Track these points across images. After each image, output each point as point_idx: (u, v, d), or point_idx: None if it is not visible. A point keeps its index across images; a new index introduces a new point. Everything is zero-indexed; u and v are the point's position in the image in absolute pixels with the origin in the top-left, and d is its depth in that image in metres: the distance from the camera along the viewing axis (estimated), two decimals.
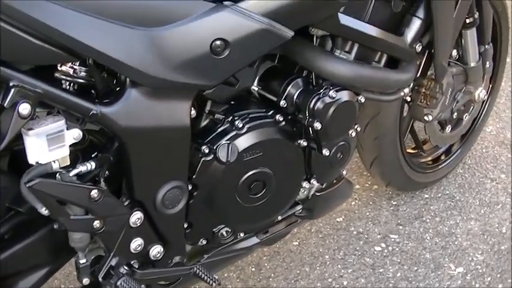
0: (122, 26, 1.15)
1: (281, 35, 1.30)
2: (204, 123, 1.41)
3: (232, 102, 1.43)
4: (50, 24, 1.07)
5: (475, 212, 2.29)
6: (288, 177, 1.52)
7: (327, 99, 1.42)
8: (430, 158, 2.34)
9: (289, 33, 1.31)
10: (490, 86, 2.38)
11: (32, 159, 1.17)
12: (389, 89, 1.60)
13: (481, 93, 2.14)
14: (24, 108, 1.10)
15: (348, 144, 1.56)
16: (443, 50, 1.70)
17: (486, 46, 2.10)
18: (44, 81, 1.13)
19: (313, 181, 1.57)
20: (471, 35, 2.00)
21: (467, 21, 1.93)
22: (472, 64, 2.04)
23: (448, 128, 2.20)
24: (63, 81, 1.23)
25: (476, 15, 1.95)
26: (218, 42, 1.23)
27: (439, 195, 2.36)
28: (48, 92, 1.13)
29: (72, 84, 1.24)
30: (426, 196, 2.35)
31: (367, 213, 2.25)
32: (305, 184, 1.57)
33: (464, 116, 2.20)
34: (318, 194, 1.64)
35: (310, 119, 1.42)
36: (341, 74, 1.44)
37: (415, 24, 1.57)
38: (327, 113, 1.43)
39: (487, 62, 2.13)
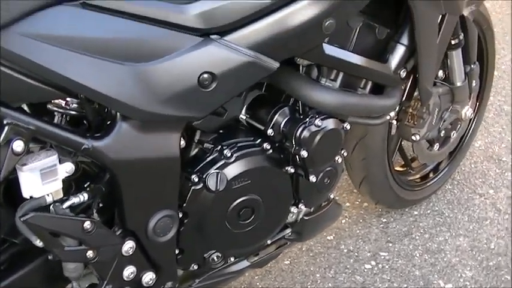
0: (111, 62, 1.18)
1: (267, 67, 1.33)
2: (193, 152, 1.45)
3: (221, 131, 1.47)
4: (41, 63, 1.11)
5: (463, 228, 2.33)
6: (276, 203, 1.56)
7: (313, 128, 1.46)
8: (418, 176, 2.38)
9: (275, 65, 1.34)
10: (477, 103, 2.42)
11: (26, 194, 1.20)
12: (374, 114, 1.64)
13: (467, 111, 2.17)
14: (18, 146, 1.13)
15: (335, 169, 1.60)
16: (428, 75, 1.74)
17: (472, 66, 2.13)
18: (36, 117, 1.17)
19: (301, 206, 1.61)
20: (457, 55, 2.03)
21: (453, 42, 1.96)
22: (458, 84, 2.07)
23: (436, 146, 2.23)
24: (55, 113, 1.28)
25: (461, 36, 1.99)
26: (205, 76, 1.27)
27: (428, 211, 2.40)
28: (41, 129, 1.17)
29: (64, 115, 1.28)
30: (415, 213, 2.39)
31: (357, 231, 2.28)
32: (293, 209, 1.61)
33: (451, 134, 2.24)
34: (307, 218, 1.67)
35: (297, 148, 1.47)
36: (326, 102, 1.48)
37: (399, 51, 1.61)
38: (313, 141, 1.47)
39: (474, 81, 2.17)
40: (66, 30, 1.14)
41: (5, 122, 1.12)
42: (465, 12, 2.01)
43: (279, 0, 1.30)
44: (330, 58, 1.45)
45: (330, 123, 1.50)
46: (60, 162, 1.22)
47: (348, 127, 1.57)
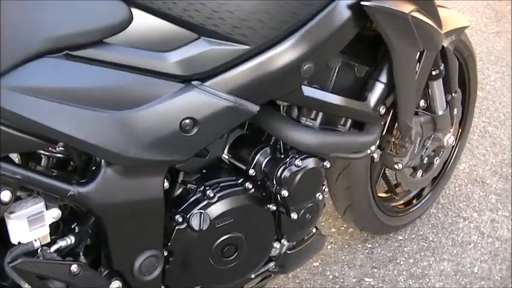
0: (95, 111, 1.21)
1: (247, 111, 1.37)
2: (177, 192, 1.50)
3: (204, 171, 1.52)
4: (25, 116, 1.14)
5: (447, 253, 2.37)
6: (259, 239, 1.60)
7: (293, 168, 1.51)
8: (402, 202, 2.43)
9: (255, 109, 1.38)
10: (460, 130, 2.47)
11: (14, 240, 1.25)
12: (354, 151, 1.68)
13: (449, 139, 2.22)
14: (6, 196, 1.17)
15: (316, 205, 1.64)
16: (407, 111, 1.77)
17: (453, 94, 2.18)
18: (22, 167, 1.21)
19: (284, 241, 1.66)
20: (437, 85, 2.08)
21: (433, 73, 2.01)
22: (440, 113, 2.12)
23: (420, 173, 2.27)
24: (42, 156, 1.32)
25: (442, 66, 2.04)
26: (187, 121, 1.31)
27: (413, 236, 2.44)
28: (28, 178, 1.21)
29: (51, 158, 1.33)
30: (400, 238, 2.43)
31: (343, 257, 2.33)
32: (276, 244, 1.65)
33: (435, 160, 2.28)
34: (290, 252, 1.71)
35: (278, 187, 1.51)
36: (307, 142, 1.52)
37: (378, 89, 1.64)
38: (294, 181, 1.51)
39: (455, 109, 2.22)
40: (49, 81, 1.17)
41: None
42: (445, 43, 2.06)
43: (257, 46, 1.34)
44: (309, 100, 1.50)
45: (310, 163, 1.54)
46: (47, 208, 1.27)
47: (328, 165, 1.61)
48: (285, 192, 1.51)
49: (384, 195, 2.39)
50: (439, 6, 2.25)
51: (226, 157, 1.55)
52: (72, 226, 1.39)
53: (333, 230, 2.44)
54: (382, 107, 1.67)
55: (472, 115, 2.52)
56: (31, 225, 1.24)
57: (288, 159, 1.52)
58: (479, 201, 2.63)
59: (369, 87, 1.65)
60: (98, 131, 1.23)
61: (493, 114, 3.23)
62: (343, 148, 1.64)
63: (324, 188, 1.65)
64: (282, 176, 1.50)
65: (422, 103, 2.09)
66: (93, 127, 1.22)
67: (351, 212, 2.19)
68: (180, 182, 1.49)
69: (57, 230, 1.37)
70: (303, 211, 1.60)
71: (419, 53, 1.73)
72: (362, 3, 1.45)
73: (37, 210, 1.25)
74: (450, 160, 2.50)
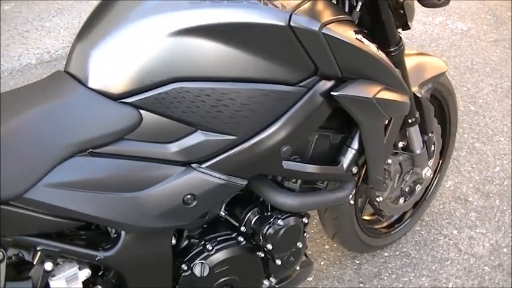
0: (114, 195, 1.56)
1: (237, 185, 1.72)
2: (183, 245, 1.86)
3: (205, 226, 1.88)
4: (60, 205, 1.49)
5: (427, 269, 2.70)
6: (250, 279, 1.97)
7: (276, 227, 1.87)
8: (385, 224, 2.76)
9: (243, 183, 1.73)
10: (440, 161, 2.78)
11: None
12: (331, 205, 2.03)
13: (427, 172, 2.54)
14: (49, 266, 1.55)
15: (298, 250, 2.00)
16: (376, 169, 2.10)
17: (430, 134, 2.49)
18: (60, 241, 1.58)
19: (272, 279, 2.02)
20: (414, 130, 2.40)
21: (409, 121, 2.33)
22: (418, 152, 2.43)
23: (402, 200, 2.59)
24: None
25: (417, 114, 2.35)
26: (188, 196, 1.66)
27: (397, 253, 2.78)
28: (65, 249, 1.58)
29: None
30: (386, 254, 2.77)
31: (334, 272, 2.68)
32: (265, 281, 2.02)
33: (416, 187, 2.60)
34: (278, 286, 2.08)
35: (264, 241, 1.87)
36: (288, 205, 1.87)
37: (350, 154, 1.98)
38: (276, 237, 1.87)
39: (432, 146, 2.54)
40: (77, 176, 1.51)
41: (38, 248, 1.54)
42: (421, 93, 2.37)
43: (243, 136, 1.68)
44: (289, 172, 1.84)
45: (290, 221, 1.90)
46: (80, 269, 1.64)
47: (306, 221, 1.97)
48: (269, 246, 1.87)
49: (370, 218, 2.73)
50: (419, 54, 2.59)
51: (223, 214, 1.91)
52: (100, 274, 1.77)
53: (327, 246, 2.78)
54: (354, 168, 2.01)
55: (452, 148, 2.82)
56: (68, 283, 1.62)
57: (271, 219, 1.87)
58: (460, 219, 2.94)
59: (343, 152, 1.99)
60: (118, 210, 1.59)
61: (482, 129, 3.49)
62: (320, 205, 1.99)
63: (305, 234, 2.01)
64: (267, 233, 1.86)
65: (401, 144, 2.41)
66: (113, 207, 1.58)
67: (338, 237, 2.54)
68: (185, 236, 1.86)
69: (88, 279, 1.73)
70: (286, 257, 1.96)
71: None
72: (332, 93, 1.77)
73: (72, 272, 1.62)
74: (431, 186, 2.82)
